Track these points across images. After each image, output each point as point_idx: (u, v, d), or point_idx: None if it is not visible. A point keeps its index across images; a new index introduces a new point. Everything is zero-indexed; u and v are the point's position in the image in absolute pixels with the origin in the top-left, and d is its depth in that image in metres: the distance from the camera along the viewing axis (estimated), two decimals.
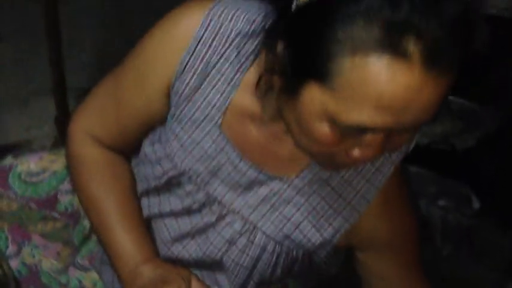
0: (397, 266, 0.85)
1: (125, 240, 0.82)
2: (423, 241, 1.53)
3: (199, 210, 0.81)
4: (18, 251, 0.93)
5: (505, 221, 1.52)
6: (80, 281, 0.95)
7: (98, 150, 0.86)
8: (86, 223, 0.96)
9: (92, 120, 0.85)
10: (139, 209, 0.86)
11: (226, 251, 0.80)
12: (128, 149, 0.87)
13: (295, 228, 0.78)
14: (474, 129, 1.68)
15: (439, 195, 1.52)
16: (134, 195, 0.86)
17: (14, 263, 0.92)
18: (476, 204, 1.47)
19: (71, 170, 0.89)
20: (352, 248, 0.85)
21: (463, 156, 1.62)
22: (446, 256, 1.55)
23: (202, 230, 0.82)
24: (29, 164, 0.94)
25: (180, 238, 0.84)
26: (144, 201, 0.86)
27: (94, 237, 0.96)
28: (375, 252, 0.83)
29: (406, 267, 0.86)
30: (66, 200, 0.95)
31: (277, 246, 0.79)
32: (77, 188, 0.88)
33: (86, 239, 0.97)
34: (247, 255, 0.79)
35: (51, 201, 0.95)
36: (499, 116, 1.69)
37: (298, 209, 0.77)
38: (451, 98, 1.77)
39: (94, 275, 0.95)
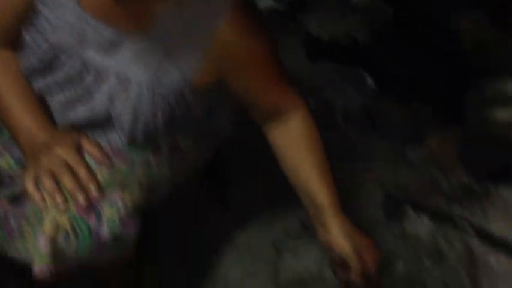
0: (260, 78, 1.00)
1: (22, 115, 0.98)
2: (327, 125, 1.72)
3: (79, 77, 0.96)
4: None
5: (401, 100, 1.70)
6: None
7: None
8: None
9: None
10: (31, 87, 1.01)
11: (110, 106, 0.95)
12: (12, 42, 1.01)
13: (161, 72, 0.93)
14: (374, 22, 1.83)
15: (338, 82, 1.69)
16: (23, 77, 1.00)
17: None
18: (371, 84, 1.64)
19: None
20: (223, 80, 0.99)
21: (364, 47, 1.79)
22: (351, 136, 1.74)
23: (87, 94, 0.97)
24: None
25: (69, 105, 0.99)
26: (32, 81, 1.01)
27: (5, 131, 1.10)
28: (239, 72, 0.98)
29: (269, 79, 1.01)
30: None
31: (151, 91, 0.93)
32: None
33: None
34: (128, 105, 0.94)
35: None
36: (396, 9, 1.85)
37: (159, 56, 0.92)
38: None
39: (9, 159, 1.09)
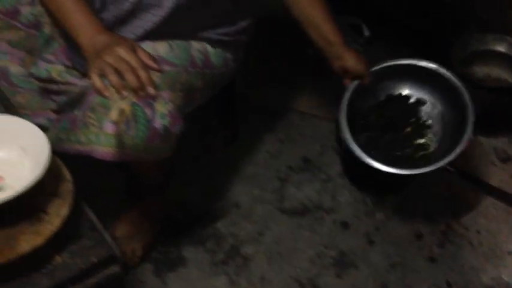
0: None
1: (81, 19, 1.06)
2: (324, 73, 1.84)
3: None
4: None
5: (392, 45, 1.84)
6: (48, 71, 1.19)
7: None
8: (46, 31, 1.20)
9: None
10: None
11: None
12: None
13: None
14: None
15: None
16: None
17: None
18: (366, 32, 1.77)
19: None
20: None
21: None
22: None
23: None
24: None
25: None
26: None
27: (54, 42, 1.21)
28: None
29: None
30: (27, 11, 1.18)
31: None
32: None
33: (47, 43, 1.20)
34: None
35: (14, 12, 1.17)
36: None
37: None
38: None
39: (59, 67, 1.19)
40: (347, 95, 1.40)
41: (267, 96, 1.87)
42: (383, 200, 1.61)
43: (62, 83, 1.18)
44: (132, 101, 1.00)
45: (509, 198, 1.64)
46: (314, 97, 1.88)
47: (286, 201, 1.59)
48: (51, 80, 1.19)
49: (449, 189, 1.66)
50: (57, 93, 1.18)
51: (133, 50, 1.03)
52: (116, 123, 0.98)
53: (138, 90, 0.98)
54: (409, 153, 1.47)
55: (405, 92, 1.48)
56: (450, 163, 1.64)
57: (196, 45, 1.20)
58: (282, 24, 1.88)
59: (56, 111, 1.18)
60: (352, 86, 1.41)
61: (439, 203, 1.62)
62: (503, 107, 1.77)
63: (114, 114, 0.98)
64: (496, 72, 1.84)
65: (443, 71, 1.41)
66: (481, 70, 1.84)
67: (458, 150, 1.35)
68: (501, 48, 1.80)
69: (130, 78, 0.97)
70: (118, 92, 0.97)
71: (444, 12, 1.90)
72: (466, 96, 1.39)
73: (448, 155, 1.36)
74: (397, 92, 1.48)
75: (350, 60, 1.34)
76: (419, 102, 1.49)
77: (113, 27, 1.13)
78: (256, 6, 1.33)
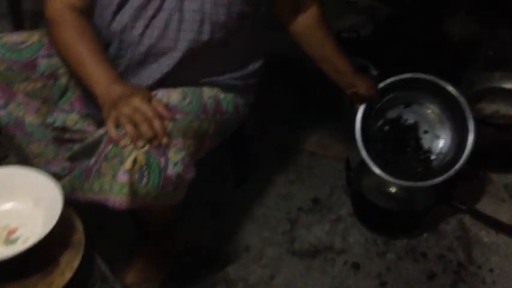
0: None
1: (97, 69, 1.09)
2: (335, 111, 1.86)
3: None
4: (6, 105, 1.18)
5: None
6: (63, 121, 1.21)
7: (69, 12, 1.14)
8: (63, 81, 1.23)
9: None
10: (103, 46, 1.14)
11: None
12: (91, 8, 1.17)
13: None
14: (373, 19, 2.02)
15: None
16: (97, 38, 1.14)
17: (1, 113, 1.18)
18: (374, 72, 1.80)
19: (51, 31, 1.16)
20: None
21: (365, 40, 1.96)
22: None
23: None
24: (12, 36, 1.20)
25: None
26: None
27: (70, 91, 1.24)
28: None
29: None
30: (44, 62, 1.21)
31: None
32: (56, 43, 1.15)
33: (63, 93, 1.23)
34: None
35: (32, 65, 1.20)
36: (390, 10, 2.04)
37: None
38: None
39: (74, 116, 1.22)
40: (359, 118, 1.51)
41: (277, 136, 1.89)
42: (394, 240, 1.60)
43: (76, 132, 1.20)
44: (146, 150, 1.02)
45: None
46: (323, 137, 1.90)
47: (296, 242, 1.58)
48: (65, 129, 1.21)
49: (460, 227, 1.65)
50: (72, 141, 1.21)
51: (148, 100, 1.05)
52: (129, 172, 1.00)
53: (152, 139, 1.00)
54: (420, 172, 1.56)
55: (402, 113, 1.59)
56: (462, 200, 1.66)
57: (208, 92, 1.23)
58: (292, 65, 1.92)
59: (70, 159, 1.20)
60: (361, 108, 1.51)
61: (451, 241, 1.61)
62: None
63: (128, 164, 1.00)
64: (505, 109, 1.85)
65: (443, 82, 1.50)
66: (489, 107, 1.85)
67: (463, 158, 1.47)
68: (509, 85, 1.82)
69: (145, 129, 0.99)
70: (133, 141, 0.99)
71: (452, 51, 1.93)
72: (465, 106, 1.49)
73: (451, 168, 1.48)
74: (397, 109, 1.58)
75: (362, 87, 1.45)
76: (414, 125, 1.59)
77: (128, 72, 1.16)
78: (267, 49, 1.37)
